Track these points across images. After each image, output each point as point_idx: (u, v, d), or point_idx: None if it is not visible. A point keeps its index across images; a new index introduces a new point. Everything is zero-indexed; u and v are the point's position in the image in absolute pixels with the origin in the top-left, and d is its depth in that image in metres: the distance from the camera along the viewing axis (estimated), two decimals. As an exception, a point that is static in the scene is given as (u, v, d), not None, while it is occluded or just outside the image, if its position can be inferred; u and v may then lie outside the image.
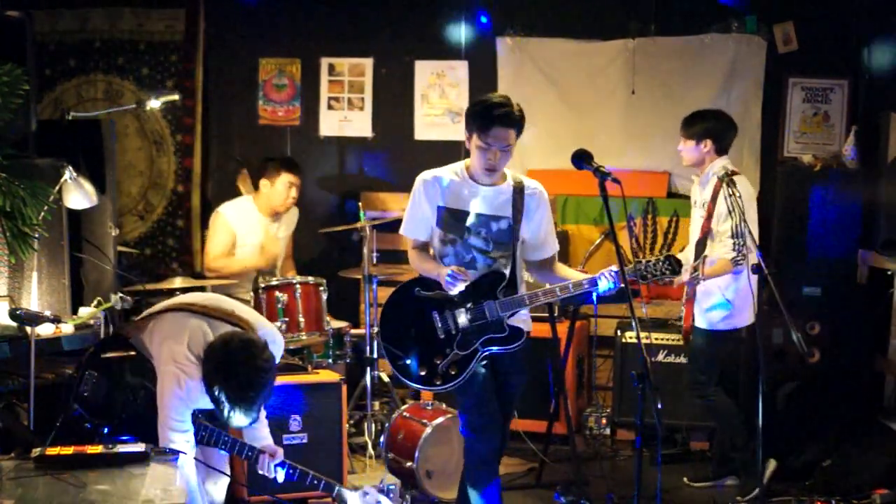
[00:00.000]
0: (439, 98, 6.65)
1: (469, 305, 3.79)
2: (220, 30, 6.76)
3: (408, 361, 3.85)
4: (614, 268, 3.70)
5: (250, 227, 5.70)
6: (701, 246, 4.79)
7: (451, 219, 3.82)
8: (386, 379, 5.64)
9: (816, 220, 5.45)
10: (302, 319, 5.05)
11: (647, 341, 5.06)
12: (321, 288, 5.19)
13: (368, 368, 5.32)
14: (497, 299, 3.77)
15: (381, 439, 4.95)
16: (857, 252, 5.58)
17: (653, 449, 5.22)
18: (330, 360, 5.36)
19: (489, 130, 3.65)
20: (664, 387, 5.25)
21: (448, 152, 6.61)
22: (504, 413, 3.94)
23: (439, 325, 3.81)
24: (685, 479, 5.12)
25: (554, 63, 6.40)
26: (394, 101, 6.68)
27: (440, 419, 4.70)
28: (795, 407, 5.29)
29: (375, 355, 5.35)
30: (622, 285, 3.64)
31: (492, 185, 3.82)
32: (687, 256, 4.87)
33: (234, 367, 3.39)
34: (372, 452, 5.17)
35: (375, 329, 5.37)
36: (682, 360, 5.38)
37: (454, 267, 3.73)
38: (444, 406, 4.90)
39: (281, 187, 5.65)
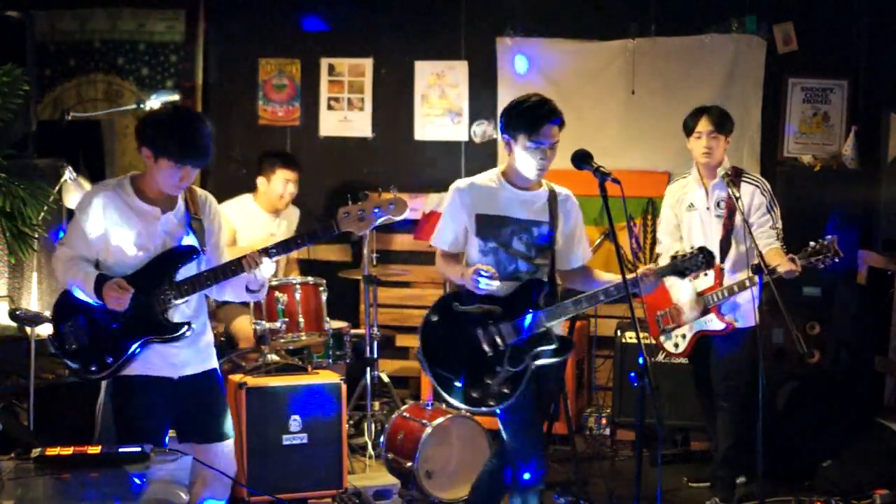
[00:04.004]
0: (439, 98, 6.65)
1: (513, 318, 3.59)
2: (220, 30, 6.76)
3: (457, 384, 3.59)
4: (652, 266, 3.68)
5: (251, 224, 5.69)
6: (726, 245, 4.67)
7: (491, 226, 3.65)
8: (386, 379, 5.64)
9: (816, 221, 5.45)
10: (302, 320, 5.04)
11: (647, 341, 5.05)
12: (321, 288, 5.19)
13: (368, 368, 5.32)
14: (540, 309, 3.60)
15: (381, 439, 4.95)
16: (857, 252, 5.58)
17: (653, 449, 5.22)
18: (330, 360, 5.36)
19: (540, 129, 3.54)
20: (664, 387, 5.25)
21: (448, 152, 6.63)
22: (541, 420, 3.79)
23: (485, 342, 3.59)
24: (684, 480, 5.12)
25: (554, 63, 6.40)
26: (394, 101, 6.68)
27: (440, 419, 4.70)
28: (795, 407, 5.29)
29: (375, 355, 5.35)
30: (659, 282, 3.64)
31: (528, 189, 3.69)
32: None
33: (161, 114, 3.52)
34: (372, 452, 5.16)
35: (375, 329, 5.36)
36: (683, 360, 5.37)
37: (480, 265, 3.54)
38: (444, 406, 4.89)
39: (278, 184, 5.64)
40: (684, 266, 3.63)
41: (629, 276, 3.60)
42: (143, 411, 3.44)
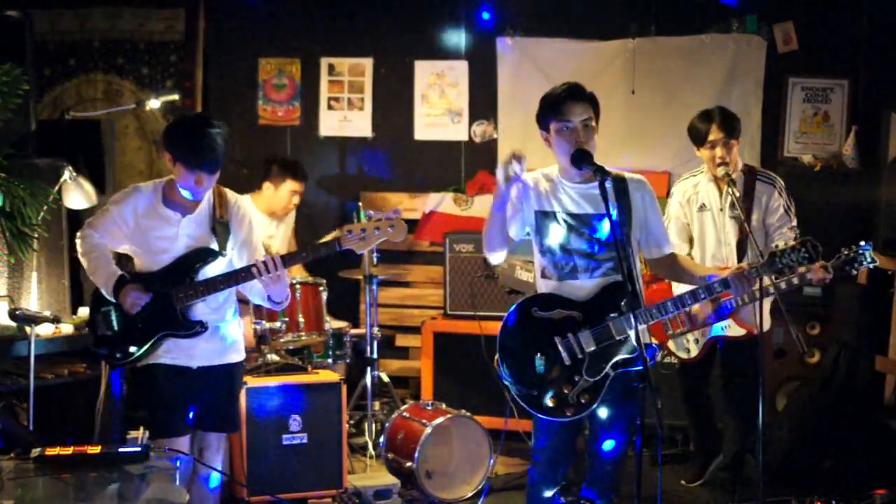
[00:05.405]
0: (439, 98, 6.65)
1: (593, 324, 3.44)
2: (220, 30, 6.77)
3: (534, 392, 3.43)
4: (744, 265, 3.49)
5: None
6: (743, 247, 4.55)
7: (547, 223, 3.52)
8: (386, 379, 5.64)
9: (816, 221, 5.44)
10: (302, 319, 5.05)
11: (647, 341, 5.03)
12: (321, 288, 5.19)
13: (368, 368, 5.32)
14: (622, 314, 3.42)
15: (381, 439, 4.95)
16: (856, 252, 5.57)
17: (653, 449, 5.21)
18: (330, 360, 5.36)
19: (563, 108, 3.46)
20: (664, 387, 5.24)
21: (448, 152, 6.63)
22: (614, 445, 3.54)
23: (564, 351, 3.43)
24: (682, 482, 5.10)
25: (554, 63, 6.40)
26: (394, 101, 6.68)
27: (440, 419, 4.69)
28: (795, 407, 5.29)
29: (375, 355, 5.34)
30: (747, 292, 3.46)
31: (588, 181, 3.48)
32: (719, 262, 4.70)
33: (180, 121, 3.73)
34: (372, 452, 5.17)
35: (375, 329, 5.36)
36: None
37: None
38: (443, 406, 4.89)
39: (284, 194, 5.62)
40: (784, 262, 3.41)
41: (720, 274, 3.51)
42: (164, 397, 3.65)
